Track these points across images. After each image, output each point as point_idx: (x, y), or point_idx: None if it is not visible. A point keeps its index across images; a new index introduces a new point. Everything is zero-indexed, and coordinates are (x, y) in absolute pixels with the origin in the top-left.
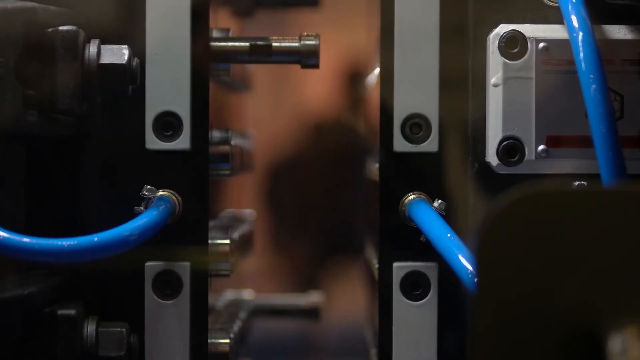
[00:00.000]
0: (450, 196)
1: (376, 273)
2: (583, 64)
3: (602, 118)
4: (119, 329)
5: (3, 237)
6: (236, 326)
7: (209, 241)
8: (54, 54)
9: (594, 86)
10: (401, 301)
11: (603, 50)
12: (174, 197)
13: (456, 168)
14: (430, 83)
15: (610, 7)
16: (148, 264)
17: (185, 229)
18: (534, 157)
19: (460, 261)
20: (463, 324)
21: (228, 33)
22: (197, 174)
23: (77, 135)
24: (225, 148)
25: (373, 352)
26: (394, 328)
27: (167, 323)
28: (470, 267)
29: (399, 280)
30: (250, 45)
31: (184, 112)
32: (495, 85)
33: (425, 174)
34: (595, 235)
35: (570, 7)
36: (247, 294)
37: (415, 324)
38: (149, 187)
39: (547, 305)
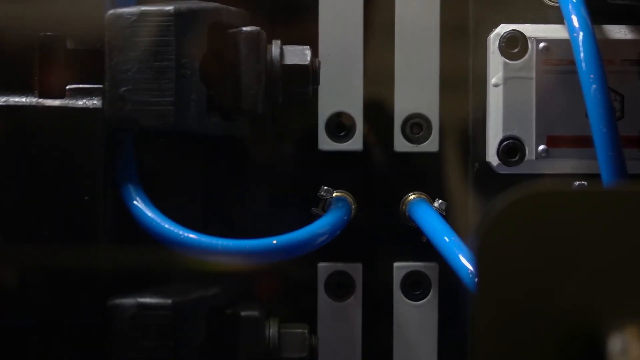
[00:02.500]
0: (451, 196)
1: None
2: (583, 64)
3: (603, 118)
4: (300, 331)
5: (191, 237)
6: None
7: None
8: (238, 54)
9: (594, 86)
10: (401, 301)
11: (603, 50)
12: (349, 198)
13: (456, 168)
14: (431, 83)
15: (610, 7)
16: (321, 264)
17: (357, 230)
18: (534, 157)
19: (460, 261)
20: (463, 324)
21: None
22: (370, 175)
23: (252, 135)
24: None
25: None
26: (394, 328)
27: (340, 324)
28: (470, 267)
29: (399, 280)
30: None
31: (357, 113)
32: (496, 85)
33: (425, 174)
34: (595, 235)
35: (570, 7)
36: None
37: (415, 324)
38: (325, 187)
39: (547, 305)
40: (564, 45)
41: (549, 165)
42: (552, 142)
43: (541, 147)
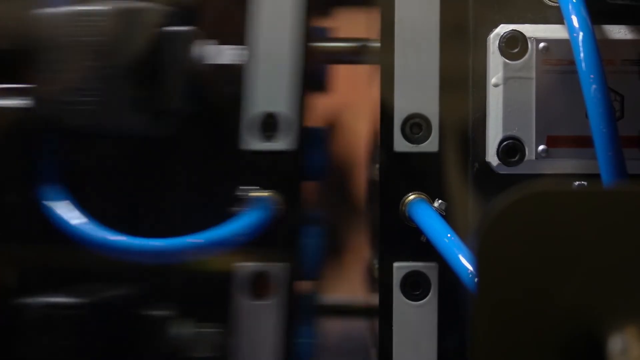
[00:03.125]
0: (450, 196)
1: (376, 273)
2: (583, 64)
3: (602, 118)
4: (214, 330)
5: (107, 238)
6: None
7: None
8: (165, 54)
9: (594, 86)
10: (401, 301)
11: (603, 50)
12: (273, 197)
13: (456, 168)
14: (431, 83)
15: (610, 7)
16: (239, 264)
17: (280, 229)
18: (534, 157)
19: (460, 261)
20: (463, 324)
21: (326, 33)
22: (296, 174)
23: (177, 134)
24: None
25: (373, 352)
26: (394, 328)
27: (258, 324)
28: (470, 267)
29: (399, 280)
30: (360, 47)
31: (284, 112)
32: (496, 85)
33: (425, 174)
34: (595, 235)
35: (570, 7)
36: None
37: (415, 324)
38: (248, 187)
39: (547, 305)
40: (564, 45)
41: (549, 165)
42: (552, 142)
43: (541, 147)
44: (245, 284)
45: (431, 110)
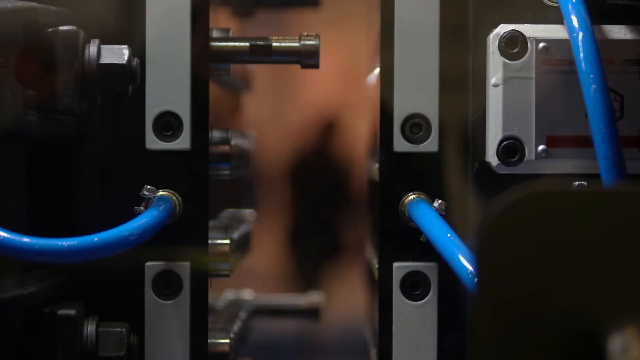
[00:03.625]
0: (450, 196)
1: (376, 273)
2: (583, 64)
3: (602, 118)
4: (118, 329)
5: (3, 237)
6: (236, 326)
7: (209, 241)
8: (54, 53)
9: (594, 86)
10: (401, 301)
11: (603, 50)
12: (174, 197)
13: (456, 168)
14: (430, 83)
15: (610, 7)
16: (148, 264)
17: (186, 229)
18: (534, 157)
19: (460, 261)
20: (463, 324)
21: (228, 33)
22: (197, 174)
23: (77, 135)
24: (225, 148)
25: (373, 352)
26: (394, 328)
27: (167, 323)
28: (470, 267)
29: (399, 280)
30: (251, 45)
31: (184, 112)
32: (495, 85)
33: (425, 174)
34: (595, 235)
35: (570, 7)
36: (247, 294)
37: (415, 324)
38: (149, 187)
39: (547, 305)
40: (564, 45)
41: (549, 165)
42: (552, 142)
43: (541, 147)
44: (152, 282)
45: (431, 110)
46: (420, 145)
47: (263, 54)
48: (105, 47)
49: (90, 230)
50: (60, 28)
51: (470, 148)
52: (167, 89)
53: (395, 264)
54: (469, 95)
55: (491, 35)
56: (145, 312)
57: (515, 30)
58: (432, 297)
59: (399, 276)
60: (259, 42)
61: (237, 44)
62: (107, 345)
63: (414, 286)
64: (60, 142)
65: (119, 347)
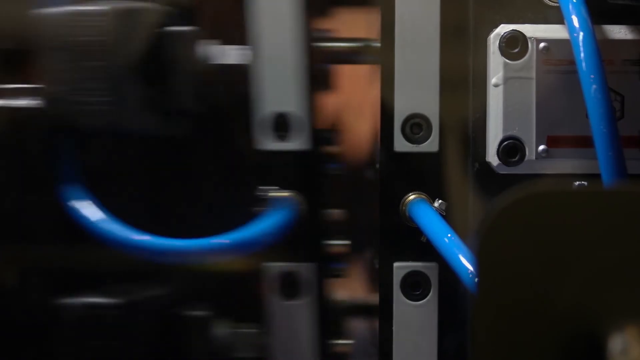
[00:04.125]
0: (450, 196)
1: (376, 273)
2: (583, 64)
3: (603, 118)
4: (251, 330)
5: (147, 240)
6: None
7: (329, 242)
8: (175, 54)
9: (594, 86)
10: (401, 301)
11: (603, 50)
12: (294, 197)
13: (456, 168)
14: (431, 83)
15: (610, 7)
16: (269, 264)
17: (305, 229)
18: (534, 157)
19: (460, 261)
20: (463, 324)
21: (329, 33)
22: (314, 174)
23: (194, 134)
24: (335, 148)
25: (373, 351)
26: (394, 328)
27: (292, 323)
28: (470, 267)
29: (399, 280)
30: (363, 46)
31: (297, 112)
32: (496, 85)
33: (425, 174)
34: (595, 235)
35: (570, 7)
36: None
37: (415, 324)
38: (269, 187)
39: (548, 305)
40: (564, 45)
41: (549, 165)
42: (552, 142)
43: (541, 147)
44: (275, 284)
45: (431, 110)
46: (421, 145)
47: (366, 54)
48: (225, 48)
49: (205, 230)
50: (181, 28)
51: (471, 148)
52: (281, 89)
53: (395, 264)
54: (469, 95)
55: (492, 35)
56: (270, 313)
57: (515, 30)
58: (432, 297)
59: (399, 276)
60: (371, 44)
61: (344, 44)
62: (240, 346)
63: (414, 286)
64: (177, 142)
65: (251, 348)
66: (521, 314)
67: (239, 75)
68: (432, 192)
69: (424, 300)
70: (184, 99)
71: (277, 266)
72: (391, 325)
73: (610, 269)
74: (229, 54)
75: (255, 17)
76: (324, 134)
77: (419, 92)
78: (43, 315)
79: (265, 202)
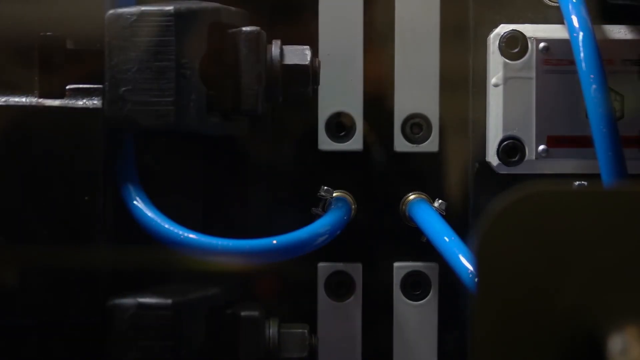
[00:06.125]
0: (451, 196)
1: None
2: (583, 64)
3: (602, 118)
4: (300, 330)
5: (205, 240)
6: None
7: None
8: (238, 54)
9: (594, 86)
10: (401, 301)
11: (603, 50)
12: (349, 198)
13: (456, 168)
14: (431, 83)
15: (610, 7)
16: (321, 264)
17: (357, 230)
18: (534, 157)
19: (460, 261)
20: (463, 324)
21: None
22: (370, 175)
23: (251, 135)
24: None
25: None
26: (394, 328)
27: (340, 323)
28: (470, 267)
29: (399, 280)
30: None
31: (357, 113)
32: (496, 85)
33: (425, 174)
34: (595, 235)
35: (570, 7)
36: None
37: (415, 324)
38: (325, 187)
39: (547, 305)
40: (564, 45)
41: (549, 165)
42: (552, 142)
43: (541, 147)
44: (326, 283)
45: (431, 110)
46: (421, 145)
47: None
48: (287, 48)
49: (261, 231)
50: (243, 29)
51: (471, 148)
52: (340, 90)
53: (396, 264)
54: (469, 95)
55: (491, 35)
56: (318, 312)
57: (515, 30)
58: (432, 297)
59: (399, 276)
60: None
61: None
62: (290, 347)
63: (415, 286)
64: (236, 142)
65: (301, 348)
66: (521, 314)
67: (303, 76)
68: (432, 192)
69: (424, 300)
70: (247, 99)
71: (329, 266)
72: (391, 325)
73: (610, 269)
74: (297, 54)
75: (319, 16)
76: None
77: (419, 92)
78: (97, 316)
79: (322, 202)
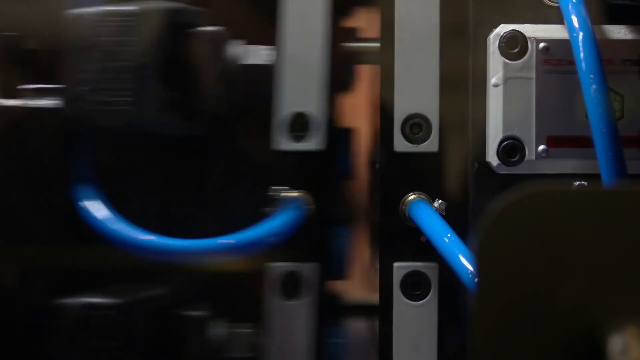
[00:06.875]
0: (451, 196)
1: (376, 273)
2: (583, 64)
3: (602, 118)
4: (247, 330)
5: (150, 240)
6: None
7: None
8: (199, 54)
9: (594, 86)
10: (401, 301)
11: (603, 50)
12: (306, 198)
13: (456, 168)
14: (431, 83)
15: (610, 7)
16: (273, 264)
17: (314, 229)
18: (534, 157)
19: (460, 261)
20: (463, 324)
21: (355, 33)
22: (328, 174)
23: (210, 134)
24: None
25: (373, 351)
26: (394, 328)
27: (291, 323)
28: (470, 267)
29: (399, 280)
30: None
31: (317, 113)
32: (496, 85)
33: (425, 174)
34: (595, 235)
35: (570, 7)
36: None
37: (415, 324)
38: (279, 187)
39: (548, 305)
40: (564, 46)
41: (549, 165)
42: (552, 142)
43: (541, 147)
44: (277, 283)
45: (431, 110)
46: (420, 145)
47: None
48: (248, 48)
49: (219, 230)
50: (204, 29)
51: (471, 148)
52: (300, 90)
53: (395, 264)
54: (469, 95)
55: (491, 35)
56: (268, 313)
57: (515, 30)
58: (432, 297)
59: (399, 276)
60: None
61: (368, 44)
62: (237, 346)
63: (414, 286)
64: (195, 142)
65: (248, 348)
66: (521, 314)
67: (263, 76)
68: (432, 192)
69: (424, 300)
70: (206, 99)
71: (279, 266)
72: (391, 325)
73: (610, 269)
74: (255, 54)
75: (281, 16)
76: (342, 135)
77: (418, 92)
78: (42, 316)
79: (275, 202)
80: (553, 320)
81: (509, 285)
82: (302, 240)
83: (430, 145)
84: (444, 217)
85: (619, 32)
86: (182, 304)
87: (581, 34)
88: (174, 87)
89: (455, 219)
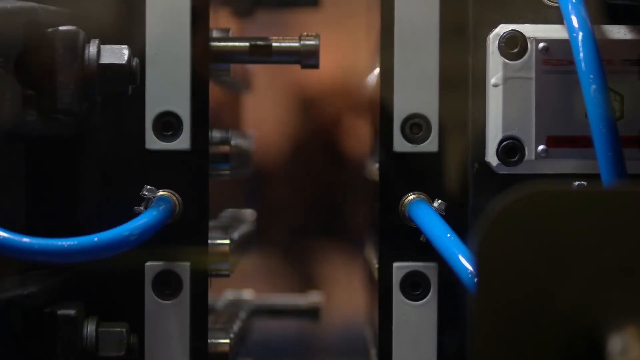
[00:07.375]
0: (450, 196)
1: (376, 273)
2: (583, 64)
3: (602, 118)
4: (118, 329)
5: (3, 237)
6: (236, 326)
7: (209, 241)
8: (54, 53)
9: (594, 86)
10: (401, 301)
11: (603, 50)
12: (174, 197)
13: (456, 168)
14: (430, 83)
15: (610, 7)
16: (148, 264)
17: (185, 229)
18: (534, 157)
19: (460, 261)
20: (463, 324)
21: (228, 33)
22: (197, 174)
23: (77, 135)
24: (225, 148)
25: (373, 352)
26: (394, 328)
27: (167, 323)
28: (470, 267)
29: (399, 280)
30: (250, 45)
31: (184, 112)
32: (495, 85)
33: (425, 174)
34: (595, 235)
35: (570, 7)
36: (247, 294)
37: (415, 324)
38: (148, 187)
39: (547, 305)
40: (564, 45)
41: (549, 165)
42: (552, 142)
43: (541, 147)
44: (152, 282)
45: (431, 110)
46: (420, 145)
47: (263, 54)
48: (105, 47)
49: (90, 230)
50: (60, 28)
51: (471, 148)
52: (167, 89)
53: (395, 264)
54: (469, 95)
55: (491, 35)
56: (145, 312)
57: (515, 30)
58: (432, 297)
59: (399, 276)
60: (259, 42)
61: (237, 44)
62: (107, 345)
63: (414, 286)
64: (60, 142)
65: (119, 347)
66: (521, 314)
67: (119, 75)
68: (432, 192)
69: (424, 300)
70: (62, 98)
71: (153, 265)
72: (391, 325)
73: (610, 269)
74: (114, 53)
75: (146, 16)
76: (214, 134)
77: (418, 92)
78: None
79: (145, 201)
80: (553, 320)
81: (508, 285)
82: (176, 240)
83: (430, 145)
84: (444, 217)
85: (618, 32)
86: (53, 302)
87: (581, 34)
88: (32, 87)
89: (455, 219)
